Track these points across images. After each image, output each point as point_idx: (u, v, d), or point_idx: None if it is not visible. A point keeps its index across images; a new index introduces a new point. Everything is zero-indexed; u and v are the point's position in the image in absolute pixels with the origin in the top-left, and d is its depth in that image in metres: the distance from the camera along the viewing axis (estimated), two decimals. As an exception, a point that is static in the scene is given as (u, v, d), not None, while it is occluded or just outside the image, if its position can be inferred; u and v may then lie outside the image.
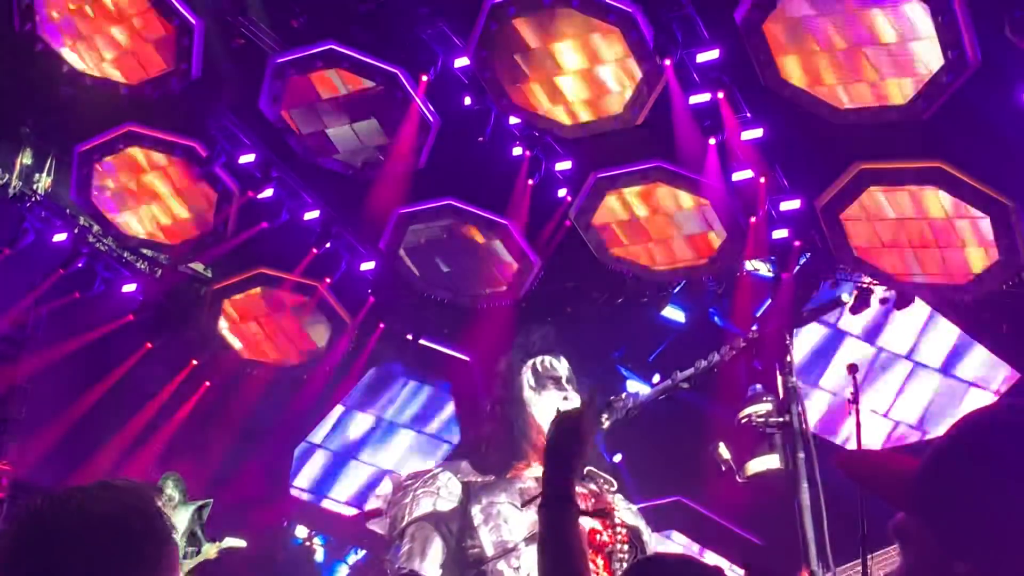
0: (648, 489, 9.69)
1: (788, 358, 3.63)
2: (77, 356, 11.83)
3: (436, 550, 3.81)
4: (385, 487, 4.35)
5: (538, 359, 4.20)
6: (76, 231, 11.80)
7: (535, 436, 4.05)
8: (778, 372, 3.61)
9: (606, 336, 11.52)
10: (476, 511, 3.87)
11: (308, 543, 14.13)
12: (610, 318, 11.66)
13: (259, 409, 12.54)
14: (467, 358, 12.53)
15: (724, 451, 3.69)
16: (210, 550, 8.98)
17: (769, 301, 10.57)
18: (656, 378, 10.67)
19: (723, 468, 3.68)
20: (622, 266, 11.00)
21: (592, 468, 4.08)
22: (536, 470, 4.03)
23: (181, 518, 9.02)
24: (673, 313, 11.49)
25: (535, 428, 4.06)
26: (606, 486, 4.07)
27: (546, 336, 4.28)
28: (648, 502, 9.70)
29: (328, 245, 11.73)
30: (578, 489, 3.90)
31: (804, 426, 3.52)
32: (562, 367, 4.20)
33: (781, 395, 3.59)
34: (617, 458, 9.64)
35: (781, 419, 3.55)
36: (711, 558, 12.07)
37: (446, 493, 3.93)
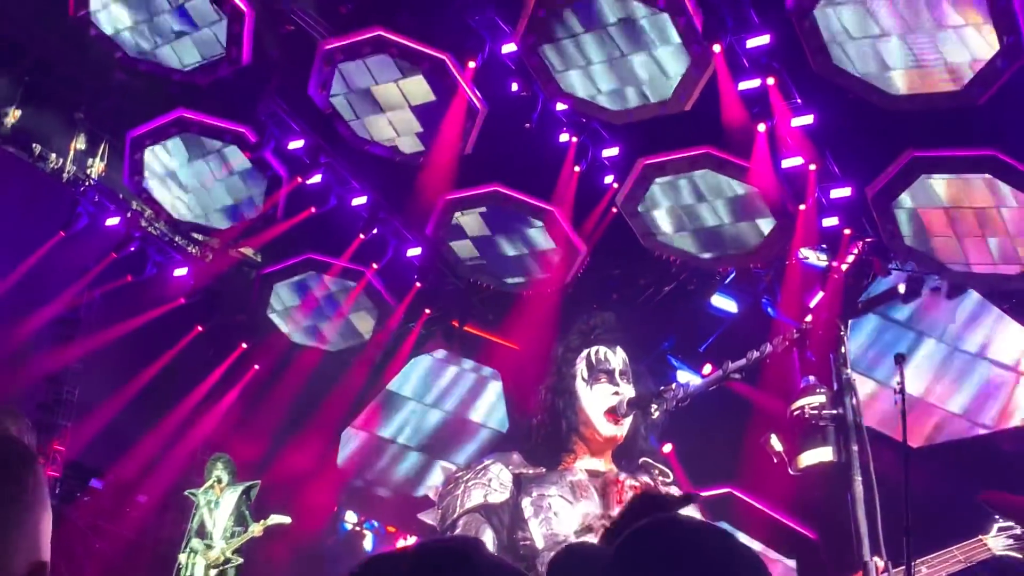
0: (699, 480, 9.52)
1: (843, 349, 3.53)
2: (129, 339, 11.91)
3: (487, 542, 3.71)
4: (436, 478, 4.34)
5: (593, 349, 4.09)
6: (129, 215, 11.91)
7: (585, 429, 3.98)
8: (832, 364, 3.52)
9: (656, 325, 11.36)
10: (527, 503, 3.80)
11: (358, 528, 14.16)
12: (659, 307, 11.52)
13: (306, 393, 12.53)
14: (515, 346, 12.37)
15: (776, 443, 3.60)
16: (256, 528, 9.01)
17: (822, 292, 10.36)
18: (707, 368, 10.51)
19: (775, 460, 3.60)
20: (669, 253, 10.91)
21: (647, 459, 4.00)
22: (587, 462, 3.96)
23: (229, 499, 9.11)
24: (724, 303, 11.29)
25: (585, 420, 3.99)
26: (661, 477, 3.99)
27: (604, 324, 4.17)
28: (699, 493, 9.35)
29: (375, 231, 11.74)
30: (631, 481, 3.89)
31: (858, 418, 3.42)
32: (616, 359, 4.09)
33: (835, 387, 3.50)
34: (667, 448, 9.51)
35: (835, 411, 3.45)
36: (762, 552, 11.96)
37: (497, 485, 3.86)
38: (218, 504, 9.10)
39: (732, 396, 9.16)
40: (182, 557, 8.96)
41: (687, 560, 1.58)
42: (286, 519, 9.25)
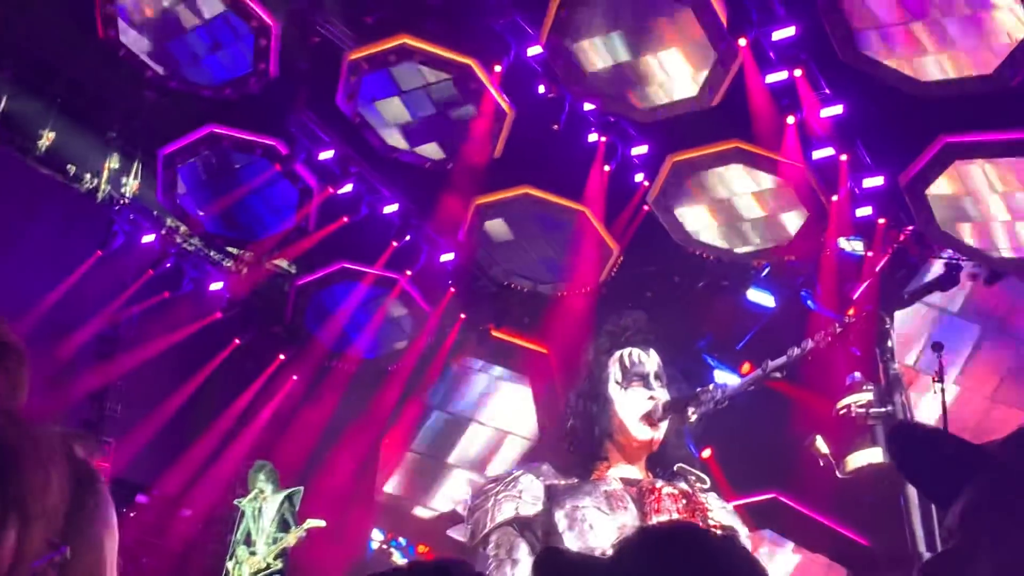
0: (741, 486, 9.35)
1: (889, 343, 3.36)
2: (168, 354, 11.87)
3: (524, 557, 3.59)
4: (464, 492, 4.19)
5: (625, 351, 3.90)
6: (164, 232, 11.90)
7: (619, 435, 3.81)
8: (879, 358, 3.34)
9: (691, 323, 11.17)
10: (560, 516, 3.62)
11: (385, 546, 13.99)
12: (694, 304, 11.34)
13: (344, 403, 12.47)
14: (544, 350, 12.30)
15: (822, 445, 3.43)
16: (290, 537, 8.93)
17: (862, 283, 10.15)
18: (746, 367, 10.31)
19: (821, 463, 3.43)
20: (702, 248, 10.75)
21: (683, 465, 3.80)
22: (621, 469, 3.77)
23: (272, 506, 9.06)
24: (761, 297, 11.05)
25: (619, 426, 3.82)
26: (698, 484, 3.80)
27: (636, 324, 4.00)
28: (744, 498, 9.45)
29: (408, 238, 11.73)
30: (668, 489, 3.70)
31: (909, 415, 3.25)
32: (651, 362, 3.88)
33: (883, 383, 3.32)
34: (707, 453, 9.31)
35: (884, 409, 3.28)
36: (811, 559, 11.79)
37: (528, 497, 3.69)
38: (262, 512, 9.06)
39: (773, 396, 8.90)
40: (229, 564, 8.93)
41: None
42: (320, 522, 9.11)
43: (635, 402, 3.80)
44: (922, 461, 1.80)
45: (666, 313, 10.37)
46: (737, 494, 8.91)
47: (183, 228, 11.96)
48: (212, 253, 12.35)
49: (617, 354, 3.93)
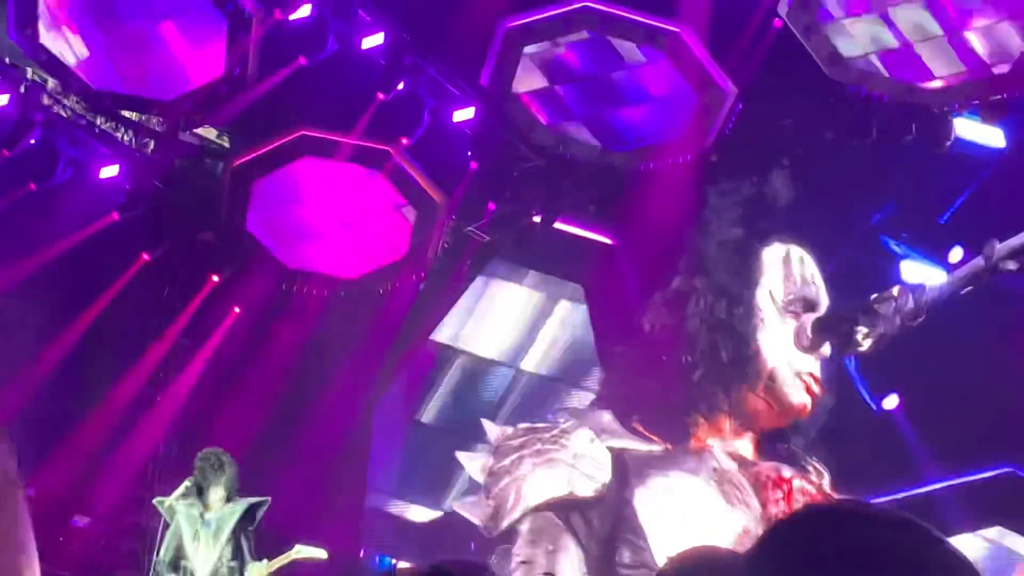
0: (952, 455, 9.11)
1: None
2: (38, 281, 12.06)
3: (571, 561, 3.58)
4: (484, 436, 4.12)
5: (779, 251, 3.79)
6: (23, 90, 11.97)
7: (760, 388, 3.71)
8: None
9: (859, 190, 11.04)
10: (642, 499, 3.59)
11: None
12: (863, 163, 11.13)
13: (314, 349, 12.70)
14: (610, 241, 12.63)
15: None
16: (264, 567, 9.17)
17: None
18: (956, 254, 10.17)
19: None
20: (870, 84, 10.57)
21: (797, 448, 3.84)
22: (729, 443, 3.75)
23: (224, 519, 9.17)
24: (982, 133, 10.74)
25: (768, 376, 3.71)
26: (817, 478, 3.89)
27: (779, 199, 3.93)
28: (955, 477, 9.42)
29: (401, 86, 11.67)
30: (801, 483, 3.83)
31: None
32: (813, 267, 3.98)
33: None
34: (890, 402, 9.00)
35: None
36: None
37: (588, 467, 3.64)
38: (207, 524, 9.18)
39: (1006, 303, 8.56)
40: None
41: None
42: (321, 553, 9.44)
43: (796, 343, 3.92)
44: None
45: (818, 180, 10.45)
46: (948, 468, 8.78)
47: (53, 83, 12.11)
48: (100, 121, 12.50)
49: (766, 252, 3.97)
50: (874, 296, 3.73)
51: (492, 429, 4.83)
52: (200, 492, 9.24)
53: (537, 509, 3.74)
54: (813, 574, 1.60)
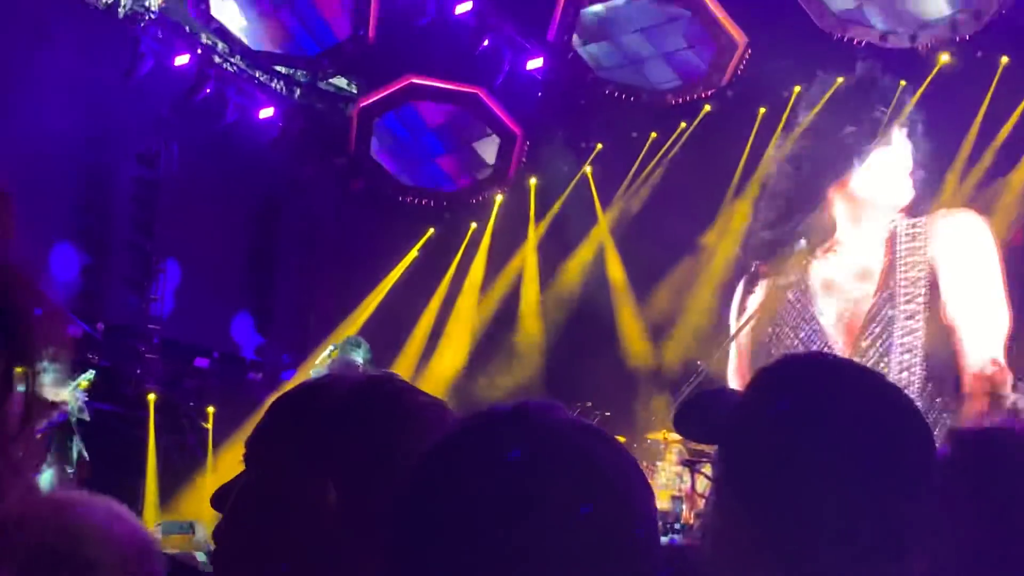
0: None
1: None
2: (217, 195, 13.83)
3: None
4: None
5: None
6: (199, 52, 13.48)
7: None
8: None
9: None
10: None
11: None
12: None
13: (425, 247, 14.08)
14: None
15: None
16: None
17: None
18: None
19: None
20: (860, 32, 11.57)
21: None
22: None
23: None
24: None
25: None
26: None
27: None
28: None
29: (486, 43, 13.15)
30: None
31: None
32: None
33: None
34: None
35: None
36: None
37: None
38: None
39: None
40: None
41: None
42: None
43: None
44: None
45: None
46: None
47: (221, 46, 13.62)
48: (258, 75, 14.07)
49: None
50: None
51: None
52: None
53: None
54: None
